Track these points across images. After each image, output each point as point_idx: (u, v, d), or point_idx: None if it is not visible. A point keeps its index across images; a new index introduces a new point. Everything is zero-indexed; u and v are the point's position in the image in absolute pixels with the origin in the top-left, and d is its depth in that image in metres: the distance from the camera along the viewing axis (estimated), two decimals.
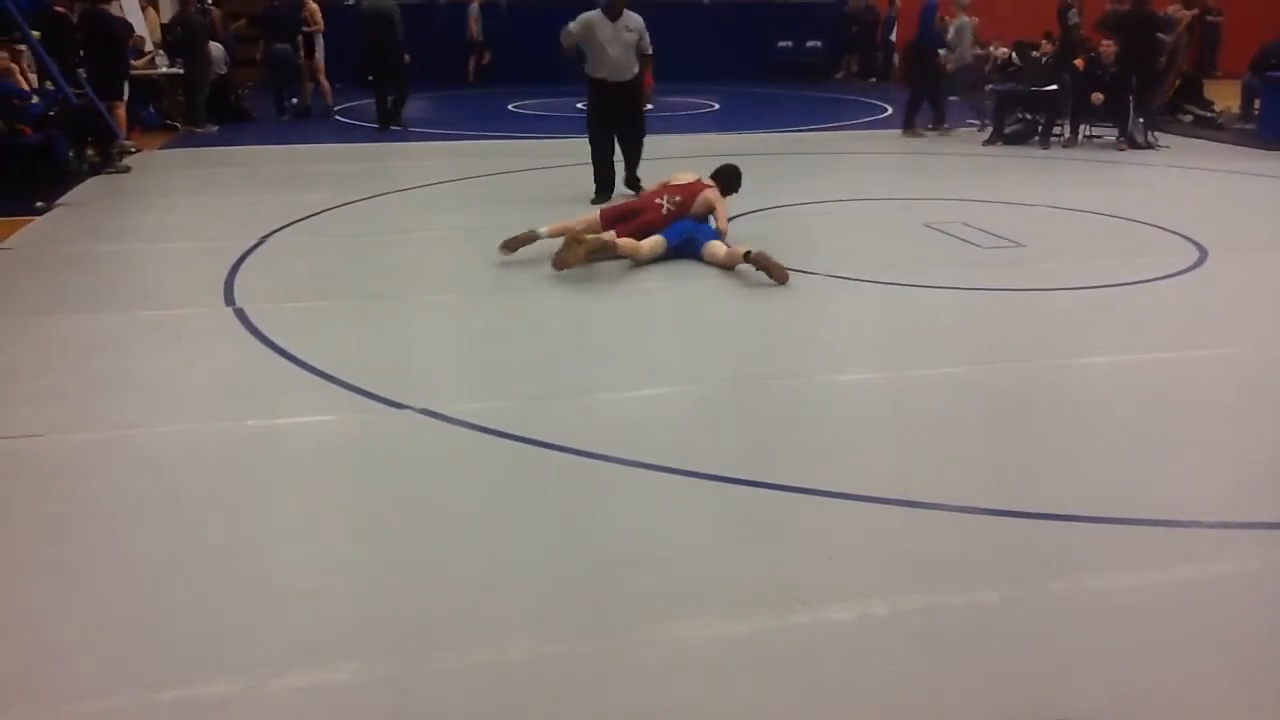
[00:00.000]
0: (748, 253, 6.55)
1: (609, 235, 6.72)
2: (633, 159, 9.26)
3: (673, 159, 10.02)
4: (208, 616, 2.95)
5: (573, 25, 8.78)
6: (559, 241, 6.69)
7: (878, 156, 12.36)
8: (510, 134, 13.66)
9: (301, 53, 15.09)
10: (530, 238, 6.88)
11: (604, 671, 2.72)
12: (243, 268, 6.79)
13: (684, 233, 6.98)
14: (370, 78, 17.31)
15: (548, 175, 10.45)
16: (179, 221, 8.48)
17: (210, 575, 3.18)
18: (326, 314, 5.89)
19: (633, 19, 8.89)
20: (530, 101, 17.22)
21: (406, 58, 13.54)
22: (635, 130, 9.21)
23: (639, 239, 6.84)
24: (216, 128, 13.43)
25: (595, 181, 9.11)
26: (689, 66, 18.45)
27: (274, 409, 4.48)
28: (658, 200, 7.17)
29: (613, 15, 8.76)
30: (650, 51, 9.10)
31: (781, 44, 20.33)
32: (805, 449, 4.18)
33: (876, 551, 3.34)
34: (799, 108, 16.69)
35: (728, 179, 7.57)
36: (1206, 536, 3.45)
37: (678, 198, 7.17)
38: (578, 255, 6.46)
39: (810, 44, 20.78)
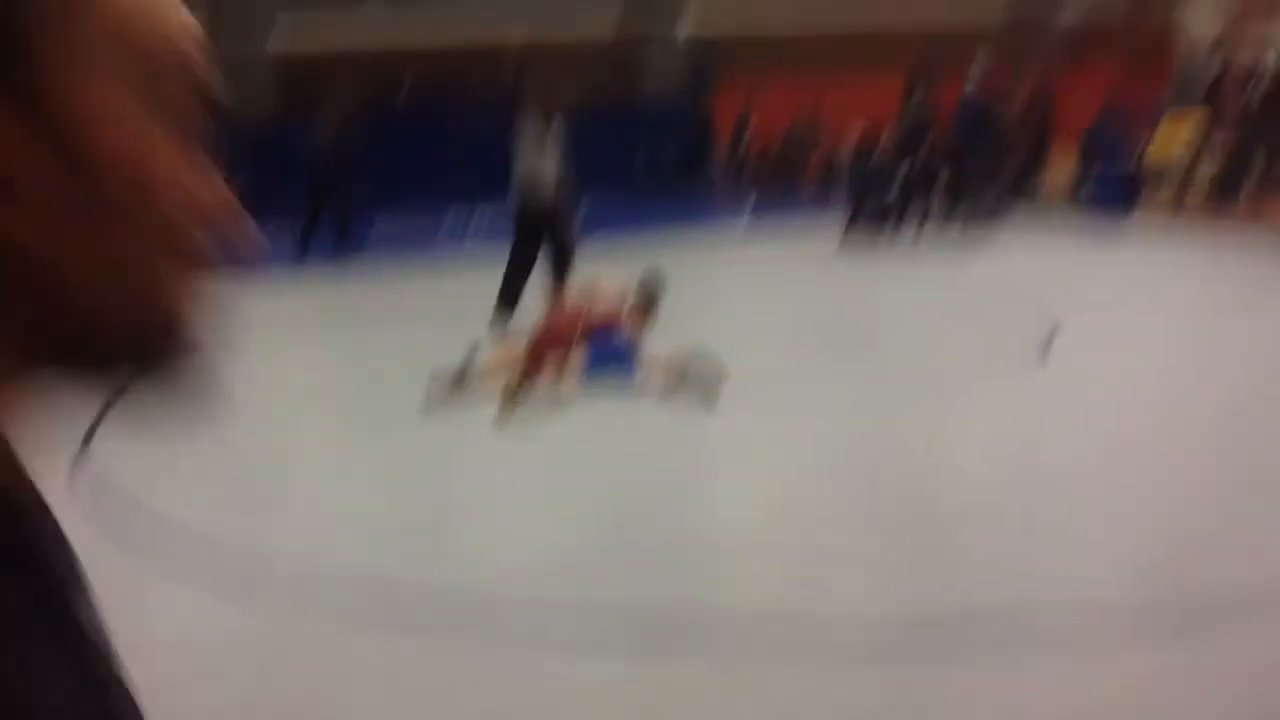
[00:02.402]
0: (669, 374, 6.56)
1: (525, 363, 6.65)
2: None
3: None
4: None
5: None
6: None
7: (736, 257, 12.62)
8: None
9: None
10: (467, 380, 6.65)
11: None
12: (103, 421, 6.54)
13: (604, 358, 6.87)
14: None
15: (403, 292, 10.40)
16: None
17: None
18: (189, 460, 5.68)
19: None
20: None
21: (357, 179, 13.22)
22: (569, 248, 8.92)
23: (559, 362, 6.73)
24: None
25: (512, 296, 8.78)
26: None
27: (127, 607, 4.27)
28: (570, 324, 6.99)
29: (551, 126, 8.71)
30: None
31: (639, 148, 20.68)
32: (700, 578, 4.17)
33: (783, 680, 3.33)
34: (657, 213, 16.78)
35: (648, 296, 7.29)
36: (1098, 629, 3.54)
37: (593, 321, 7.02)
38: (511, 405, 6.36)
39: (665, 143, 21.22)
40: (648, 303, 7.24)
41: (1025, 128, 14.48)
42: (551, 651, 3.65)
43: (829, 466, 5.34)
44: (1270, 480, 4.82)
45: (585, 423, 6.25)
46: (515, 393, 6.47)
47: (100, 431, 6.22)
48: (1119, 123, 14.38)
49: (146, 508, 5.12)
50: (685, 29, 23.24)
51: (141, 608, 4.17)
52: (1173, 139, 13.28)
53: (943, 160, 12.82)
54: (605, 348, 6.88)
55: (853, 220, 13.25)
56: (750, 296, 9.73)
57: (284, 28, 20.55)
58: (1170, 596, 3.79)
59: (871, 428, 5.90)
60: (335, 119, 13.62)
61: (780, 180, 20.41)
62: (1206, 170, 13.29)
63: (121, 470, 5.72)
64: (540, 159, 8.63)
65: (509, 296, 8.60)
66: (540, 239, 8.67)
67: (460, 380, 6.63)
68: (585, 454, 5.81)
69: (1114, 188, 13.15)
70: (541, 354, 6.79)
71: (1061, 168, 14.70)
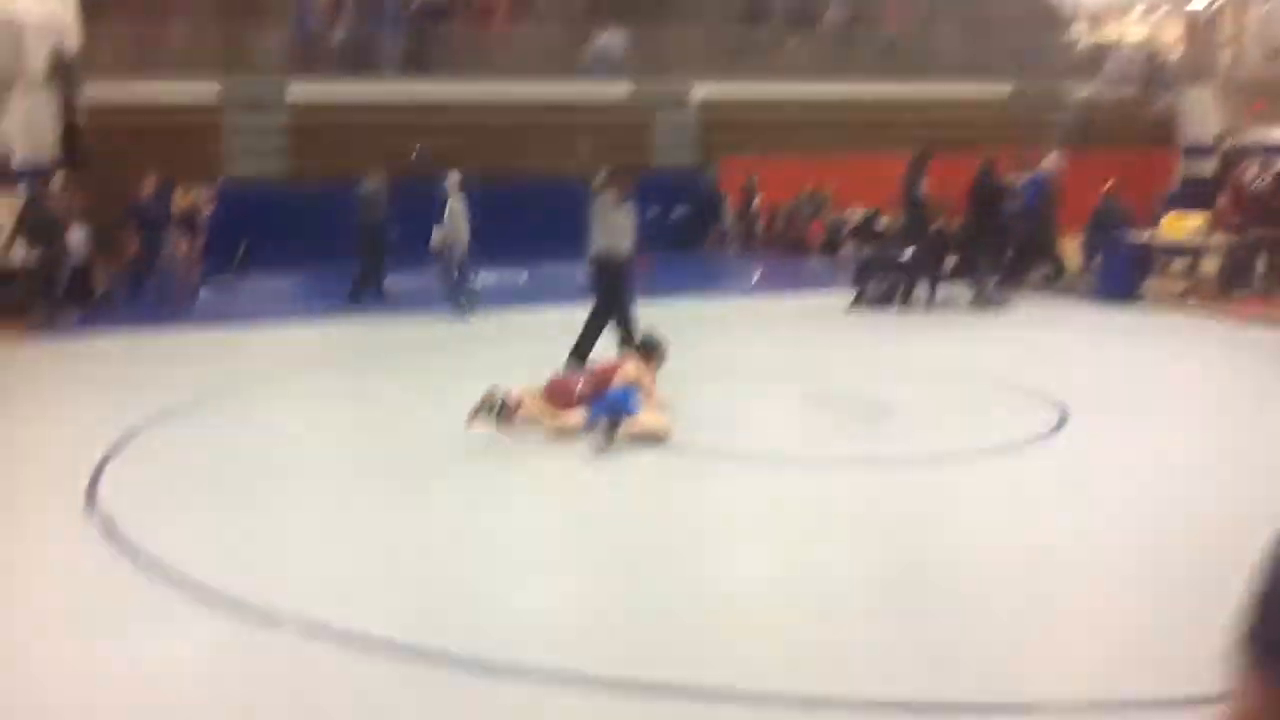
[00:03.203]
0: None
1: (538, 403, 7.13)
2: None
3: (552, 333, 10.14)
4: None
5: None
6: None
7: (748, 321, 12.69)
8: (384, 313, 13.48)
9: (175, 240, 14.81)
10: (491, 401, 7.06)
11: None
12: (108, 469, 6.49)
13: (603, 408, 7.06)
14: None
15: (425, 359, 10.42)
16: (38, 419, 8.12)
17: None
18: (198, 517, 5.64)
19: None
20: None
21: (434, 233, 13.30)
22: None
23: (562, 409, 7.15)
24: (76, 315, 13.05)
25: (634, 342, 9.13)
26: (564, 238, 18.83)
27: (134, 638, 4.21)
28: (573, 381, 7.46)
29: (623, 198, 9.32)
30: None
31: (651, 212, 20.86)
32: (698, 644, 4.12)
33: None
34: (669, 276, 17.00)
35: (647, 348, 7.88)
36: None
37: (594, 378, 7.43)
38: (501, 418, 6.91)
39: (677, 211, 21.45)
40: (647, 358, 7.80)
41: (1034, 206, 14.64)
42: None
43: (825, 527, 5.31)
44: None
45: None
46: (497, 411, 6.97)
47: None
48: (1125, 207, 14.58)
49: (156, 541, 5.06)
50: (695, 98, 23.60)
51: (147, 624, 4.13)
52: (1177, 228, 13.43)
53: (952, 235, 12.97)
54: (608, 400, 7.13)
55: (860, 287, 13.33)
56: (759, 353, 9.76)
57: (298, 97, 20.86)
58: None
59: (880, 496, 5.89)
60: (376, 185, 14.13)
61: (788, 246, 20.66)
62: (1210, 263, 13.46)
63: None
64: (619, 227, 9.23)
65: (581, 351, 9.11)
66: (614, 299, 9.23)
67: (493, 408, 7.03)
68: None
69: (1120, 268, 13.26)
70: (551, 397, 7.29)
71: (1070, 247, 14.87)
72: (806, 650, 4.03)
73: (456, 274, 12.84)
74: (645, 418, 6.95)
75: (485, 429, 6.98)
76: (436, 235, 12.73)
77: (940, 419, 7.65)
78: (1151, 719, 3.52)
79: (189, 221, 14.93)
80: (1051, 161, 14.64)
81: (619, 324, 9.28)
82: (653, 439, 6.79)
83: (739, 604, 4.57)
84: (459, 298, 12.84)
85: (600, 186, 9.37)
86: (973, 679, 3.75)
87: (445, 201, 12.74)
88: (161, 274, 14.16)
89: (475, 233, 12.96)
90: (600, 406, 7.08)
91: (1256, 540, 4.42)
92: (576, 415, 7.06)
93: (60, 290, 13.14)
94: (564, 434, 6.96)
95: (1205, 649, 3.89)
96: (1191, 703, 3.58)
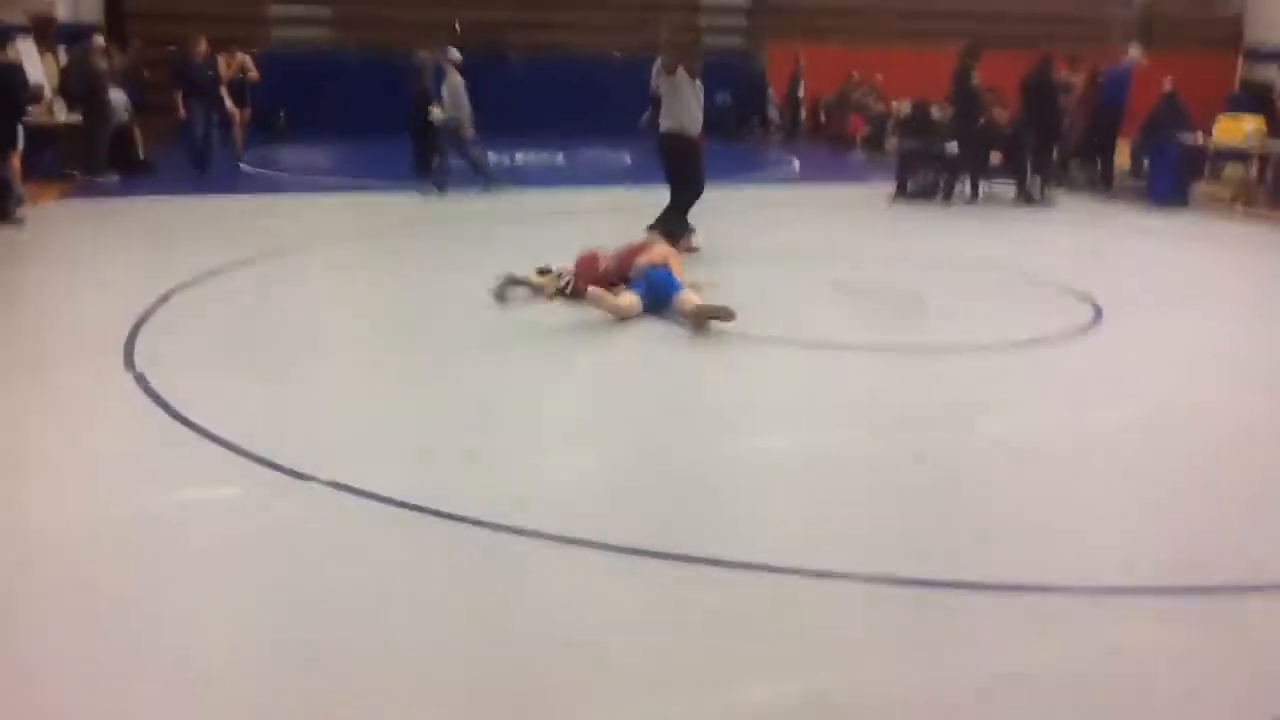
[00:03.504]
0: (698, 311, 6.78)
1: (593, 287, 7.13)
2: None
3: (587, 213, 10.11)
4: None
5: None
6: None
7: (786, 210, 12.57)
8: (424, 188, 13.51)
9: (227, 104, 14.76)
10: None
11: None
12: (144, 329, 6.60)
13: (645, 289, 7.06)
14: None
15: (469, 230, 10.43)
16: (75, 279, 8.24)
17: (102, 677, 3.06)
18: (231, 378, 5.74)
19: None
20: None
21: (433, 110, 13.08)
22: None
23: (595, 282, 7.19)
24: (117, 177, 13.12)
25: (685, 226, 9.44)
26: (602, 120, 18.62)
27: (171, 487, 4.33)
28: (602, 257, 7.51)
29: (695, 75, 9.38)
30: None
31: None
32: (717, 518, 4.19)
33: (789, 627, 3.35)
34: (709, 162, 16.82)
35: (675, 230, 8.28)
36: (1104, 604, 3.54)
37: (619, 256, 7.48)
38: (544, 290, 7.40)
39: (720, 98, 21.06)
40: (673, 240, 8.26)
41: (1086, 103, 14.30)
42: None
43: (850, 410, 5.34)
44: None
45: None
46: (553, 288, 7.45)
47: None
48: (1182, 107, 14.19)
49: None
50: None
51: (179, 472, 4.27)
52: (1232, 131, 13.07)
53: (999, 130, 12.71)
54: (652, 281, 7.12)
55: (902, 179, 13.14)
56: (795, 240, 9.72)
57: None
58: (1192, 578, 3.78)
59: (907, 382, 5.89)
60: (426, 57, 13.86)
61: (831, 137, 20.35)
62: (1263, 167, 13.15)
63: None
64: (693, 104, 9.37)
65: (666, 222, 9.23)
66: (692, 174, 9.53)
67: (512, 282, 7.46)
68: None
69: (1170, 171, 12.99)
70: (581, 269, 7.46)
71: (1122, 145, 14.56)
72: (826, 527, 4.09)
73: (468, 150, 12.78)
74: (685, 296, 6.92)
75: (516, 302, 7.20)
76: (435, 113, 12.67)
77: (973, 311, 7.60)
78: (1166, 605, 3.56)
79: (238, 88, 14.87)
80: (1134, 54, 14.20)
81: (682, 199, 9.35)
82: (697, 320, 6.75)
83: (760, 480, 4.62)
84: (486, 174, 12.85)
85: (670, 64, 9.24)
86: (991, 560, 3.80)
87: (444, 78, 12.63)
88: (206, 139, 14.13)
89: (510, 110, 12.89)
90: (641, 287, 7.06)
91: None
92: (630, 297, 7.00)
93: (102, 151, 13.19)
94: (622, 319, 6.90)
95: (1220, 540, 3.98)
96: (1207, 591, 3.63)
